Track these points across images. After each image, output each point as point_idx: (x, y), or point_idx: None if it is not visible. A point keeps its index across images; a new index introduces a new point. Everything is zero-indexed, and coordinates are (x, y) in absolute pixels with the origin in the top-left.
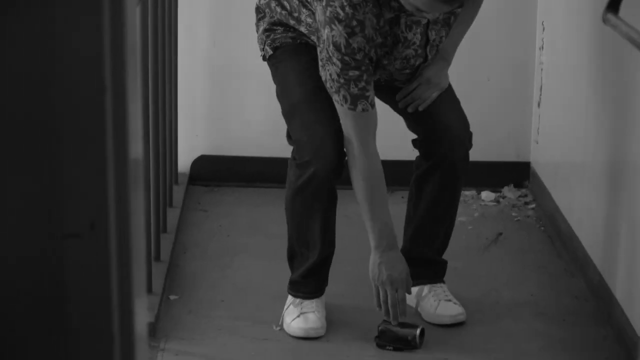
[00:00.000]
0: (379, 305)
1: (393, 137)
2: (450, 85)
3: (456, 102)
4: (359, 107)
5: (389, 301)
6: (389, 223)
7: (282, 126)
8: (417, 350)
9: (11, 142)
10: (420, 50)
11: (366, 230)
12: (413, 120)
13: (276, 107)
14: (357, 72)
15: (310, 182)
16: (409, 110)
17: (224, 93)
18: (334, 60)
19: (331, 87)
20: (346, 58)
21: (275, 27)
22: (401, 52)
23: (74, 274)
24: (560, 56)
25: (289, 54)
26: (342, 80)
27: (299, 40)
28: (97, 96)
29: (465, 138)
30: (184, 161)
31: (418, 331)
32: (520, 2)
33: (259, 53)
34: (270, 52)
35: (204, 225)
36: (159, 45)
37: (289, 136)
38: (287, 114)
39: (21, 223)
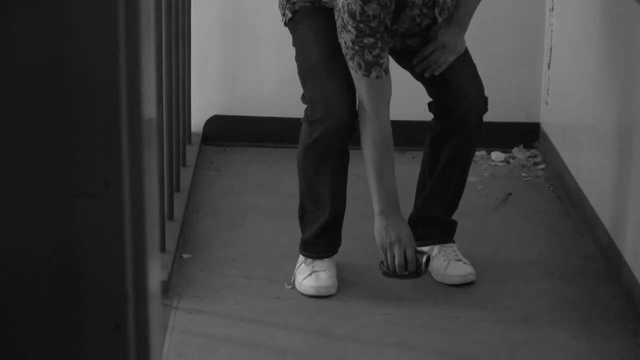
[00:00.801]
0: (387, 268)
1: (405, 97)
2: (467, 51)
3: (472, 67)
4: (373, 74)
5: (397, 261)
6: (394, 189)
7: (294, 87)
8: (422, 276)
9: (25, 100)
10: (426, 10)
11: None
12: (430, 85)
13: (288, 67)
14: (371, 40)
15: (321, 138)
16: (426, 75)
17: (236, 53)
18: (349, 27)
19: (346, 54)
20: (361, 25)
21: None
22: (408, 14)
23: (88, 232)
24: (571, 18)
25: (306, 15)
26: (356, 48)
27: (317, 4)
28: (110, 55)
29: (479, 104)
30: (197, 121)
31: (424, 258)
32: None
33: (271, 13)
34: (289, 15)
35: (216, 184)
36: (172, 5)
37: (303, 96)
38: (303, 74)
39: (36, 181)
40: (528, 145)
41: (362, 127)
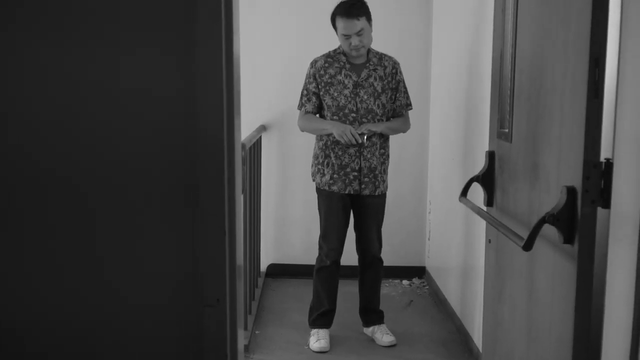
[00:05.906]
0: (347, 142)
1: (353, 253)
2: (380, 224)
3: (378, 232)
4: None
5: (348, 136)
6: (325, 120)
7: (309, 250)
8: (364, 145)
9: (174, 253)
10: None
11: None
12: (358, 238)
13: (307, 241)
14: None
15: (323, 269)
16: (358, 131)
17: (281, 233)
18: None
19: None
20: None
21: (321, 168)
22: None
23: (210, 324)
24: (440, 217)
25: (324, 198)
26: (304, 99)
27: (331, 191)
28: (219, 238)
29: (377, 253)
30: (263, 266)
31: (365, 137)
32: (416, 190)
33: (300, 210)
34: (316, 186)
35: (273, 297)
36: (251, 209)
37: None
38: (320, 228)
39: (176, 298)
40: (420, 277)
41: (300, 123)
